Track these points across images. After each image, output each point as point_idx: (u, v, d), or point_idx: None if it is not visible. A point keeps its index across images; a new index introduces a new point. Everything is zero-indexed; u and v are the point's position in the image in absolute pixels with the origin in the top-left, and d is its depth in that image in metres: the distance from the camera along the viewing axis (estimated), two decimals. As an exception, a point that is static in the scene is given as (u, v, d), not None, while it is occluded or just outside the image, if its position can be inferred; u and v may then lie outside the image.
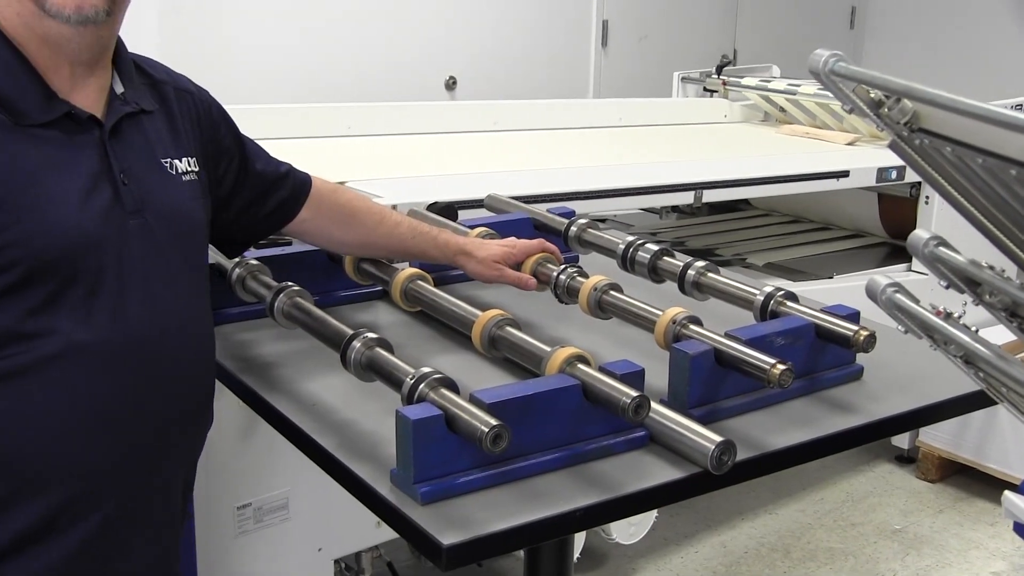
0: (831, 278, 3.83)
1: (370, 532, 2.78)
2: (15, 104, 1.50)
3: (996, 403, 1.53)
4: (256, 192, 1.93)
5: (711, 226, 4.56)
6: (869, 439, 1.73)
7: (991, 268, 1.31)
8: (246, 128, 1.96)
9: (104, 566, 1.62)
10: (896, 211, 4.24)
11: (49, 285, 1.50)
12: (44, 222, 1.49)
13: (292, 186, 1.98)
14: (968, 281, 1.33)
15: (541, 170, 3.52)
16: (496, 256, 2.05)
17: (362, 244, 2.08)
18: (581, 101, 5.41)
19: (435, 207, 2.64)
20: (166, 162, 1.68)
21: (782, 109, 4.80)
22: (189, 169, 1.72)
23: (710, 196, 3.44)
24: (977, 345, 1.25)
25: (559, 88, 5.60)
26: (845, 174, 3.72)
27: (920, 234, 1.37)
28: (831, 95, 1.18)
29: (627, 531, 3.44)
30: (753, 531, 3.94)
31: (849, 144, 4.29)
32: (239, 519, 2.59)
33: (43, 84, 1.54)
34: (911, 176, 3.77)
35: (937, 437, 4.21)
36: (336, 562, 2.80)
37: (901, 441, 4.36)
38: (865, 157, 4.01)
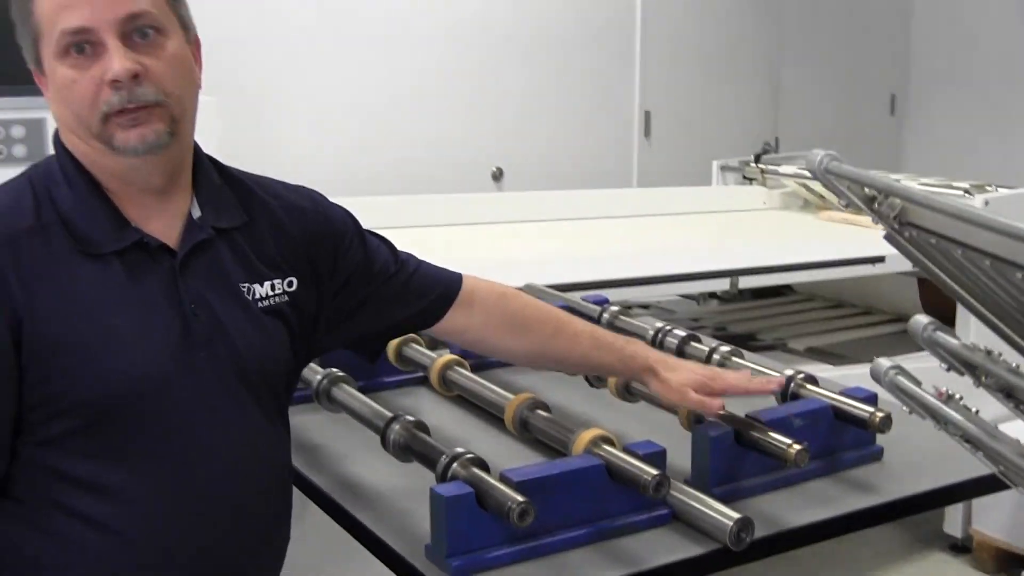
0: (872, 362, 3.87)
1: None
2: (86, 233, 1.50)
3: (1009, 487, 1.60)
4: (389, 300, 1.82)
5: (753, 311, 4.64)
6: (885, 519, 1.80)
7: (986, 352, 1.39)
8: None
9: None
10: (937, 295, 4.28)
11: (111, 430, 1.48)
12: (104, 365, 1.47)
13: (440, 293, 1.86)
14: (966, 364, 1.41)
15: (582, 258, 3.63)
16: (690, 384, 1.85)
17: (535, 355, 1.94)
18: (622, 190, 5.52)
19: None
20: (244, 287, 1.62)
21: (820, 196, 4.88)
22: (273, 293, 1.65)
23: (746, 283, 3.53)
24: (970, 424, 1.33)
25: (603, 177, 5.72)
26: (881, 259, 3.78)
27: (919, 319, 1.47)
28: None
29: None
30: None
31: (886, 230, 4.36)
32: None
33: (116, 213, 1.53)
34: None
35: (991, 526, 4.11)
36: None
37: (954, 529, 4.30)
38: (901, 242, 4.07)
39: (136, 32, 1.49)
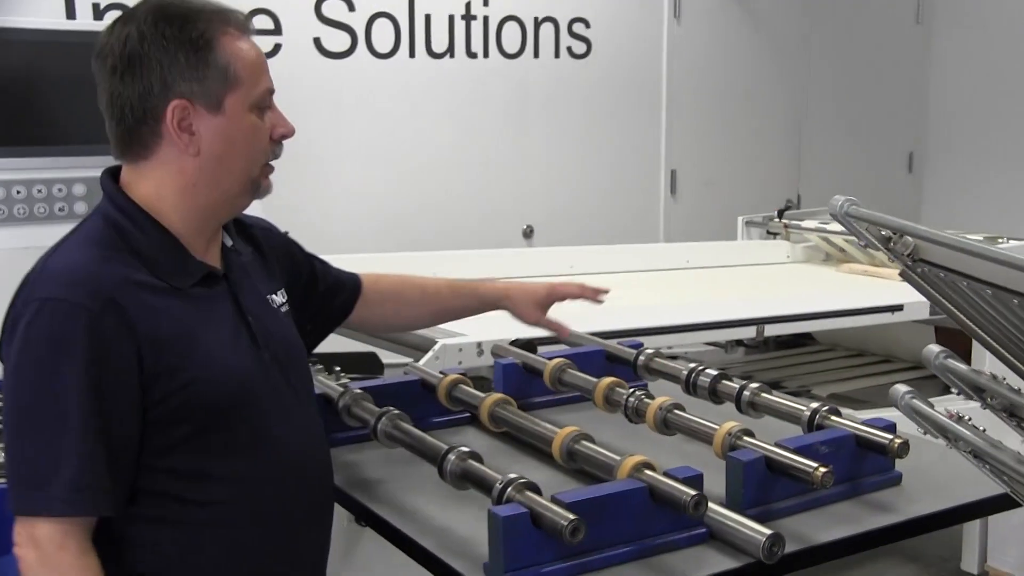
0: (892, 407, 4.01)
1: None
2: (170, 271, 1.75)
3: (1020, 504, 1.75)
4: (325, 296, 2.26)
5: (777, 360, 4.77)
6: (903, 536, 1.94)
7: (991, 375, 1.55)
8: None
9: None
10: (952, 343, 4.37)
11: (217, 427, 1.74)
12: (213, 375, 1.73)
13: (350, 287, 2.32)
14: (974, 387, 1.57)
15: (613, 309, 3.77)
16: (540, 294, 2.40)
17: (415, 319, 2.43)
18: (650, 245, 5.68)
19: (518, 343, 2.90)
20: (269, 298, 1.95)
21: (842, 249, 5.03)
22: (283, 300, 2.00)
23: (771, 330, 3.69)
24: (977, 439, 1.48)
25: (631, 234, 5.87)
26: (899, 307, 3.93)
27: (932, 348, 1.62)
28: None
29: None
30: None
31: (906, 280, 4.51)
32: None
33: (188, 254, 1.79)
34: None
35: (1007, 562, 4.30)
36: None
37: (971, 566, 4.46)
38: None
39: None
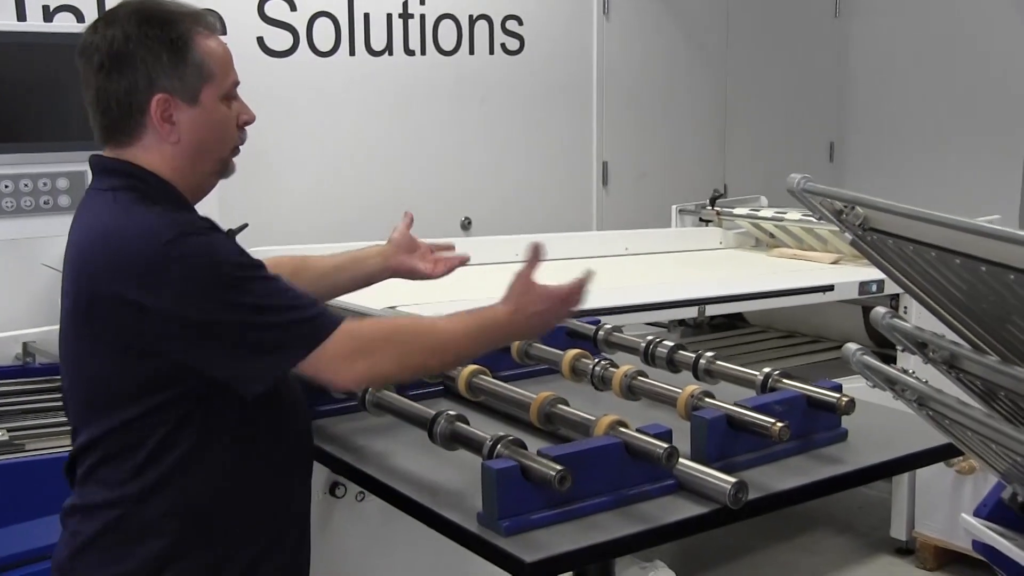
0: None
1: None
2: None
3: (962, 453, 1.95)
4: None
5: (715, 341, 4.98)
6: (851, 485, 2.15)
7: (933, 332, 1.74)
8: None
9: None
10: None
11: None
12: None
13: None
14: (917, 344, 1.76)
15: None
16: (399, 247, 2.57)
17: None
18: (590, 233, 5.87)
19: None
20: None
21: (771, 235, 5.27)
22: None
23: (712, 310, 3.90)
24: (921, 385, 1.67)
25: (565, 225, 5.96)
26: (830, 288, 4.17)
27: (879, 309, 1.81)
28: (814, 220, 1.56)
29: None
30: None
31: (833, 263, 4.75)
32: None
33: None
34: (890, 288, 4.20)
35: (932, 528, 4.57)
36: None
37: (899, 533, 4.71)
38: (848, 273, 4.45)
39: None
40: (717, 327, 5.18)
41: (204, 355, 1.87)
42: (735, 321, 5.23)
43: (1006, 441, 1.50)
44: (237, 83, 2.05)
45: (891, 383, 1.76)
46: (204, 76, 1.96)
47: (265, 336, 1.87)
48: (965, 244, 1.44)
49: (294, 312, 1.88)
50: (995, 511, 1.84)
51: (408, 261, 2.57)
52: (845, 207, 1.67)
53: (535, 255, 2.12)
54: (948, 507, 4.35)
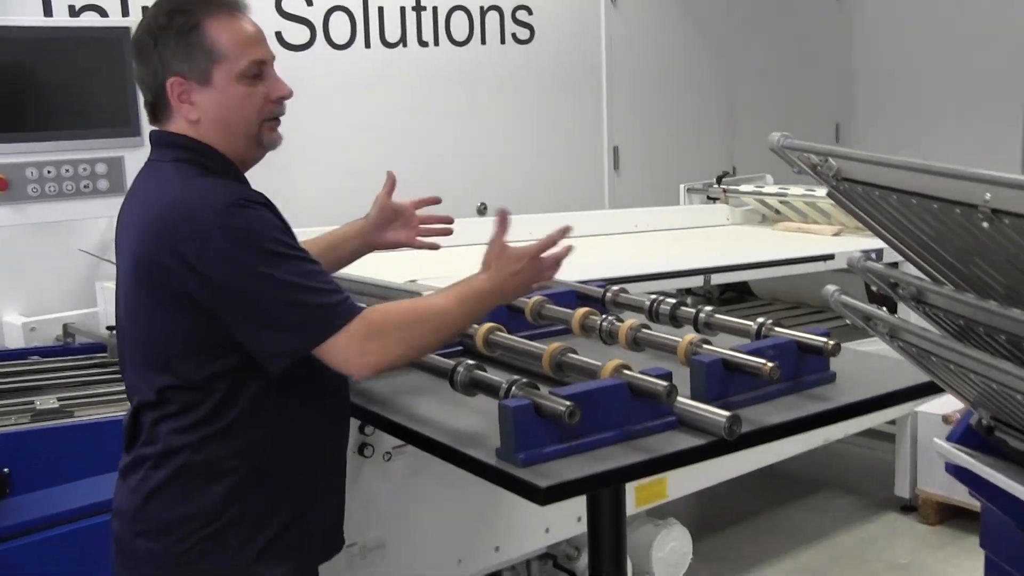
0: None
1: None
2: None
3: (941, 390, 2.12)
4: None
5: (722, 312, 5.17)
6: (838, 419, 2.34)
7: (902, 270, 1.93)
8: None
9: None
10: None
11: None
12: None
13: None
14: (889, 283, 1.95)
15: (571, 264, 4.14)
16: (382, 216, 2.75)
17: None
18: (602, 212, 6.06)
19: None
20: None
21: (776, 210, 5.45)
22: None
23: (718, 279, 4.10)
24: (893, 318, 1.86)
25: (578, 208, 6.18)
26: (831, 257, 4.36)
27: (856, 253, 2.00)
28: (815, 194, 1.69)
29: (666, 571, 3.97)
30: (777, 574, 4.48)
31: (835, 235, 4.94)
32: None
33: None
34: (889, 256, 4.36)
35: (933, 484, 4.76)
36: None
37: (903, 491, 4.91)
38: (849, 243, 4.66)
39: None
40: (726, 301, 5.37)
41: (235, 323, 2.04)
42: (743, 295, 5.42)
43: (960, 360, 1.68)
44: (262, 60, 2.17)
45: (867, 319, 1.95)
46: (214, 58, 2.11)
47: (289, 314, 2.01)
48: (919, 184, 1.62)
49: (321, 296, 2.03)
50: (964, 435, 2.03)
51: (389, 236, 2.76)
52: (820, 160, 1.86)
53: (503, 222, 2.29)
54: (949, 465, 4.54)
